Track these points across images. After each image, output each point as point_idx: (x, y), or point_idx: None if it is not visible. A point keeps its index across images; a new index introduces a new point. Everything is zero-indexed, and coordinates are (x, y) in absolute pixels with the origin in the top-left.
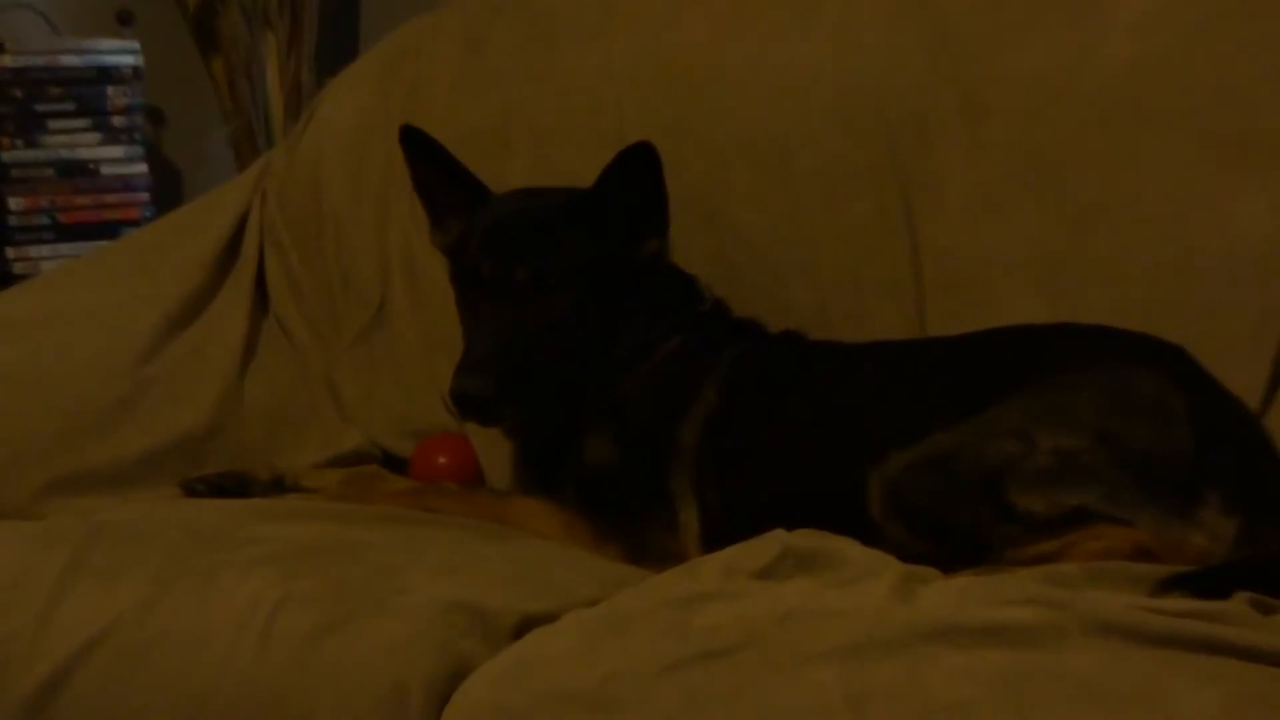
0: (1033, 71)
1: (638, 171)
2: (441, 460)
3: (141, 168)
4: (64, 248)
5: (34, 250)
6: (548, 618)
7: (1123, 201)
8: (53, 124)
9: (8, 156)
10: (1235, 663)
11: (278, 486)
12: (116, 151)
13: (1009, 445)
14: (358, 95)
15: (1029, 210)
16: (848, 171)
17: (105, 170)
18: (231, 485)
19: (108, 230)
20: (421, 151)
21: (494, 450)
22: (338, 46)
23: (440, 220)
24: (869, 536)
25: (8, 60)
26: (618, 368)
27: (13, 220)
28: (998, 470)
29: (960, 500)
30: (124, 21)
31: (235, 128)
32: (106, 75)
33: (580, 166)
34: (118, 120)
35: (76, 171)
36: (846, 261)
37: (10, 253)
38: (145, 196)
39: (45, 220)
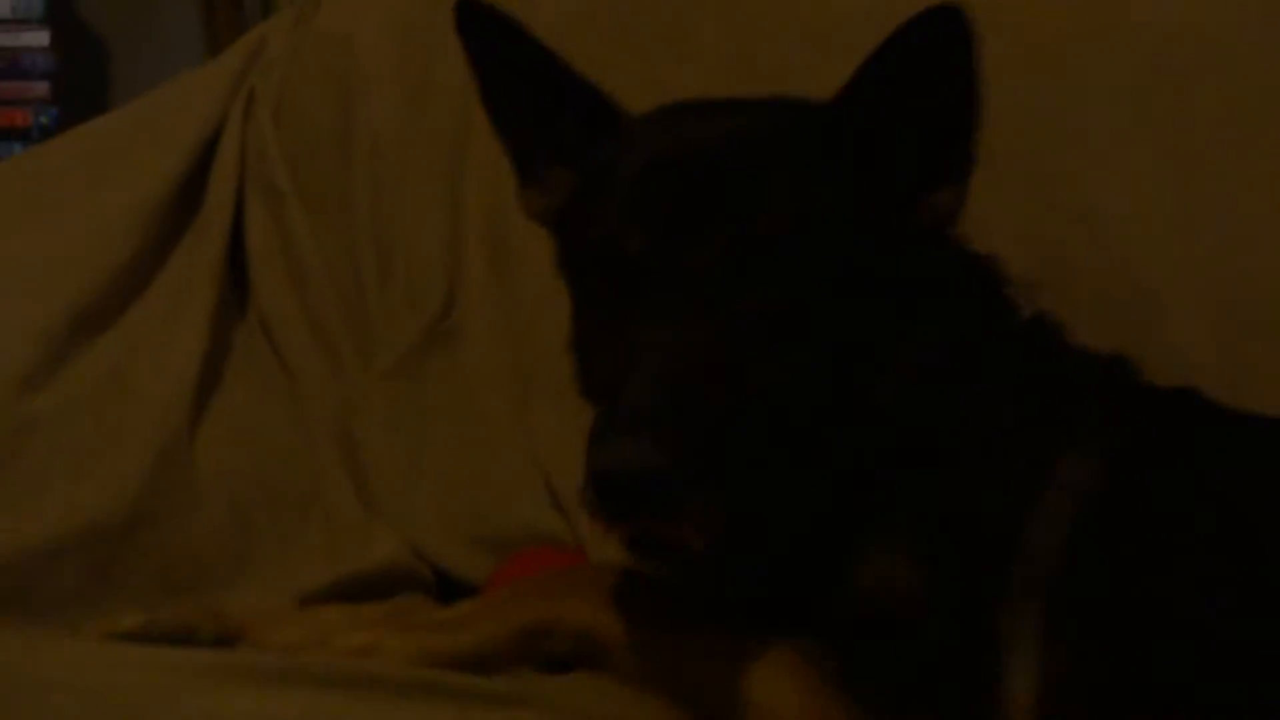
0: None
1: (930, 62)
2: None
3: (41, 38)
4: None
5: None
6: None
7: None
8: None
9: None
10: None
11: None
12: None
13: None
14: None
15: None
16: None
17: None
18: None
19: None
20: (495, 42)
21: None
22: None
23: (534, 167)
24: None
25: None
26: (889, 419)
27: None
28: None
29: None
30: None
31: None
32: None
33: (806, 74)
34: None
35: None
36: None
37: None
38: (45, 89)
39: None
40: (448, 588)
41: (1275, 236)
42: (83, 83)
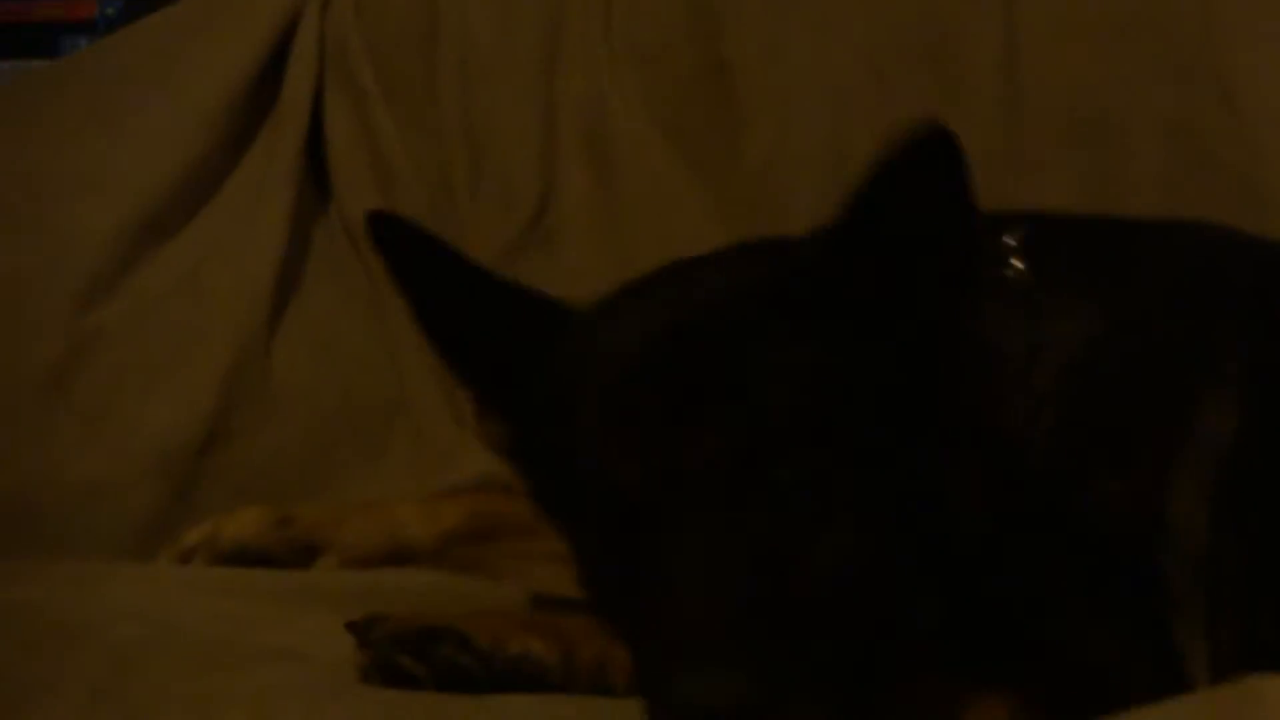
0: None
1: (920, 197)
2: None
3: None
4: None
5: None
6: None
7: None
8: None
9: None
10: None
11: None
12: None
13: None
14: None
15: None
16: None
17: None
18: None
19: (34, 41)
20: (417, 256)
21: None
22: None
23: (490, 392)
24: None
25: None
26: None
27: None
28: None
29: None
30: None
31: None
32: None
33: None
34: None
35: None
36: None
37: None
38: None
39: None
40: None
41: None
42: None
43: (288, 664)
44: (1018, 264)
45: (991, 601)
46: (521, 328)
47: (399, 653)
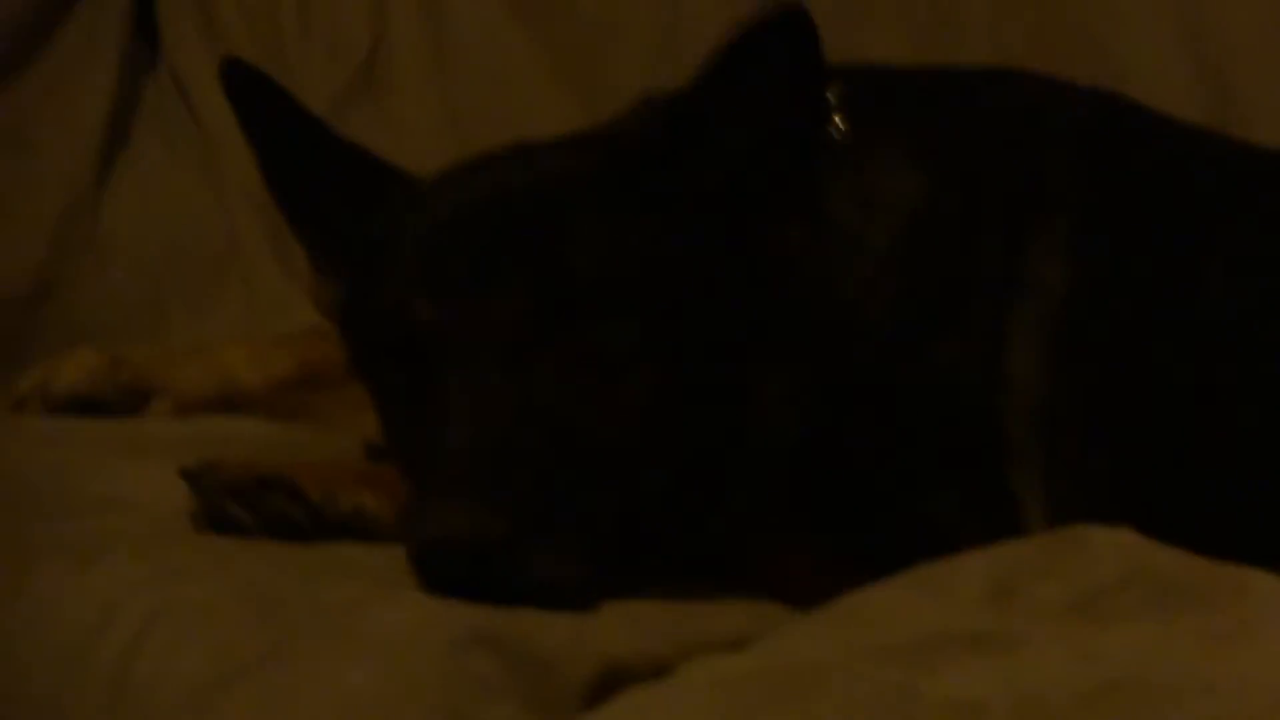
0: None
1: (766, 78)
2: None
3: None
4: None
5: None
6: (651, 668)
7: None
8: None
9: None
10: None
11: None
12: None
13: None
14: None
15: None
16: None
17: None
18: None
19: None
20: (267, 110)
21: None
22: None
23: (327, 255)
24: None
25: None
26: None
27: None
28: None
29: None
30: None
31: None
32: None
33: None
34: None
35: None
36: None
37: None
38: None
39: None
40: None
41: None
42: None
43: (116, 512)
44: (839, 121)
45: (823, 459)
46: (360, 190)
47: (230, 501)
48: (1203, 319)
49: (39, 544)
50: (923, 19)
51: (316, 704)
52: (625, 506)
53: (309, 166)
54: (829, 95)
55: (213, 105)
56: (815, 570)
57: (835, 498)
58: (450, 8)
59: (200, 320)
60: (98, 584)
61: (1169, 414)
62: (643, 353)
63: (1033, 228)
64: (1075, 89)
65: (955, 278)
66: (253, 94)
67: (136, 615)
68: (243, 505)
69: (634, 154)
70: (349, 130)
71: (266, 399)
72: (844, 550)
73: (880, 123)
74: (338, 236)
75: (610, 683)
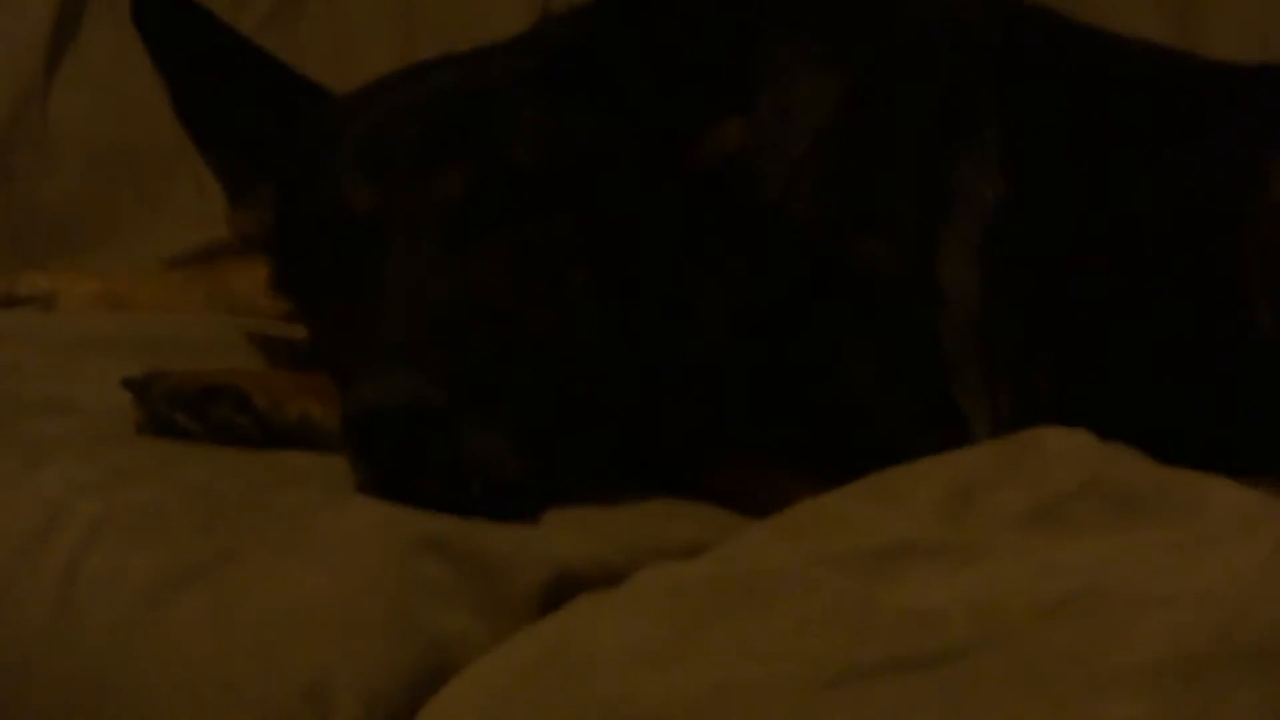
0: None
1: None
2: None
3: None
4: None
5: None
6: (605, 575)
7: None
8: None
9: None
10: None
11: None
12: None
13: None
14: None
15: None
16: None
17: None
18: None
19: None
20: (180, 35)
21: None
22: None
23: (242, 181)
24: None
25: None
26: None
27: None
28: None
29: None
30: None
31: None
32: None
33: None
34: None
35: None
36: None
37: None
38: None
39: None
40: None
41: None
42: None
43: (61, 414)
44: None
45: (766, 369)
46: (284, 105)
47: (176, 410)
48: (1135, 229)
49: None
50: None
51: (268, 605)
52: (562, 400)
53: (226, 88)
54: None
55: None
56: (767, 478)
57: (782, 404)
58: None
59: (152, 218)
60: (45, 486)
61: (1106, 325)
62: (578, 246)
63: (963, 140)
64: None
65: (875, 182)
66: (165, 20)
67: (85, 517)
68: (190, 414)
69: (572, 53)
70: (301, 22)
71: None
72: (796, 458)
73: (798, 29)
74: (258, 154)
75: (562, 589)
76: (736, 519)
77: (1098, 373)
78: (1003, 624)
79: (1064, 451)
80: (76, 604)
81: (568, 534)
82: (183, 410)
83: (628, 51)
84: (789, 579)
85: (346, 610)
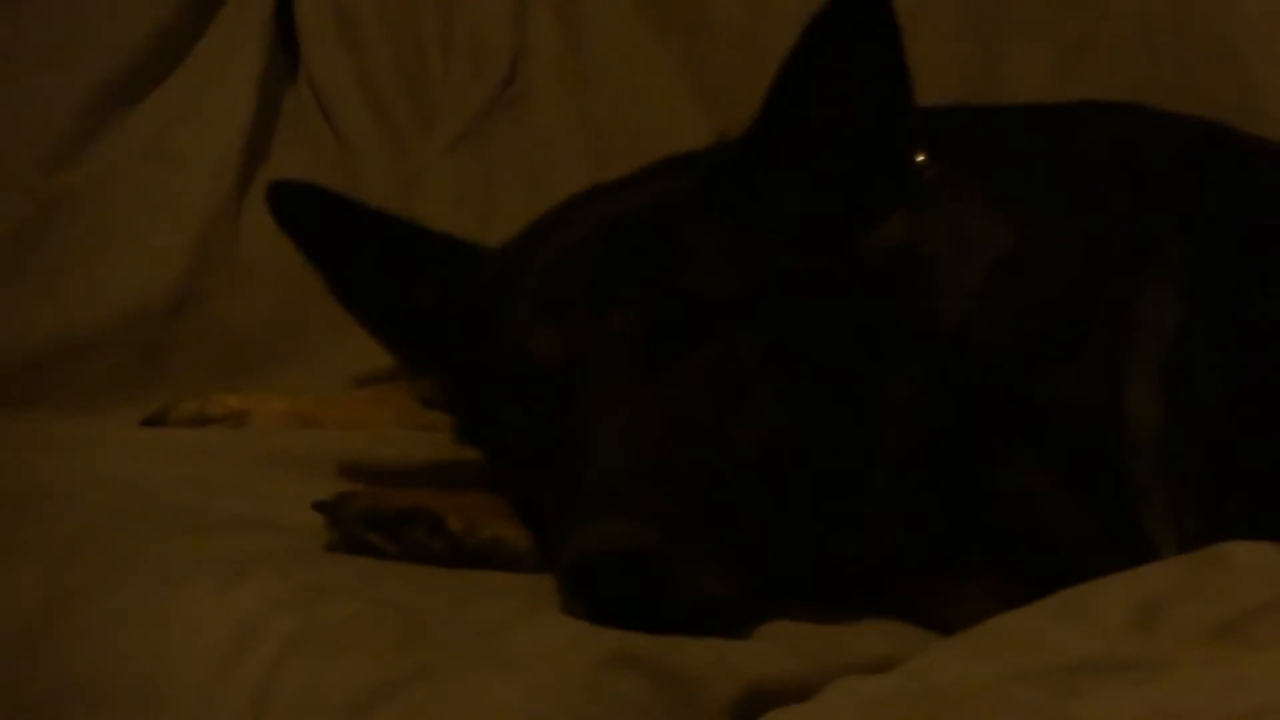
0: None
1: (848, 68)
2: None
3: None
4: None
5: None
6: (795, 689)
7: None
8: None
9: None
10: None
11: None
12: None
13: None
14: None
15: None
16: None
17: None
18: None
19: None
20: (325, 223)
21: None
22: None
23: (419, 351)
24: None
25: None
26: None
27: None
28: None
29: None
30: None
31: None
32: None
33: None
34: None
35: None
36: None
37: None
38: None
39: None
40: None
41: None
42: None
43: (258, 530)
44: (922, 158)
45: (956, 496)
46: (440, 273)
47: (370, 531)
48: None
49: (184, 561)
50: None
51: None
52: (766, 519)
53: (378, 267)
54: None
55: (351, 117)
56: (956, 595)
57: (971, 526)
58: (590, 20)
59: (339, 337)
60: (241, 603)
61: None
62: (762, 362)
63: (1146, 266)
64: (1177, 119)
65: (1059, 311)
66: (306, 213)
67: (280, 634)
68: (383, 536)
69: (729, 167)
70: (491, 145)
71: None
72: (983, 578)
73: (966, 162)
74: (424, 325)
75: (755, 704)
76: (926, 635)
77: None
78: None
79: (1251, 565)
80: None
81: (760, 648)
82: (375, 531)
83: (787, 152)
84: (980, 694)
85: None
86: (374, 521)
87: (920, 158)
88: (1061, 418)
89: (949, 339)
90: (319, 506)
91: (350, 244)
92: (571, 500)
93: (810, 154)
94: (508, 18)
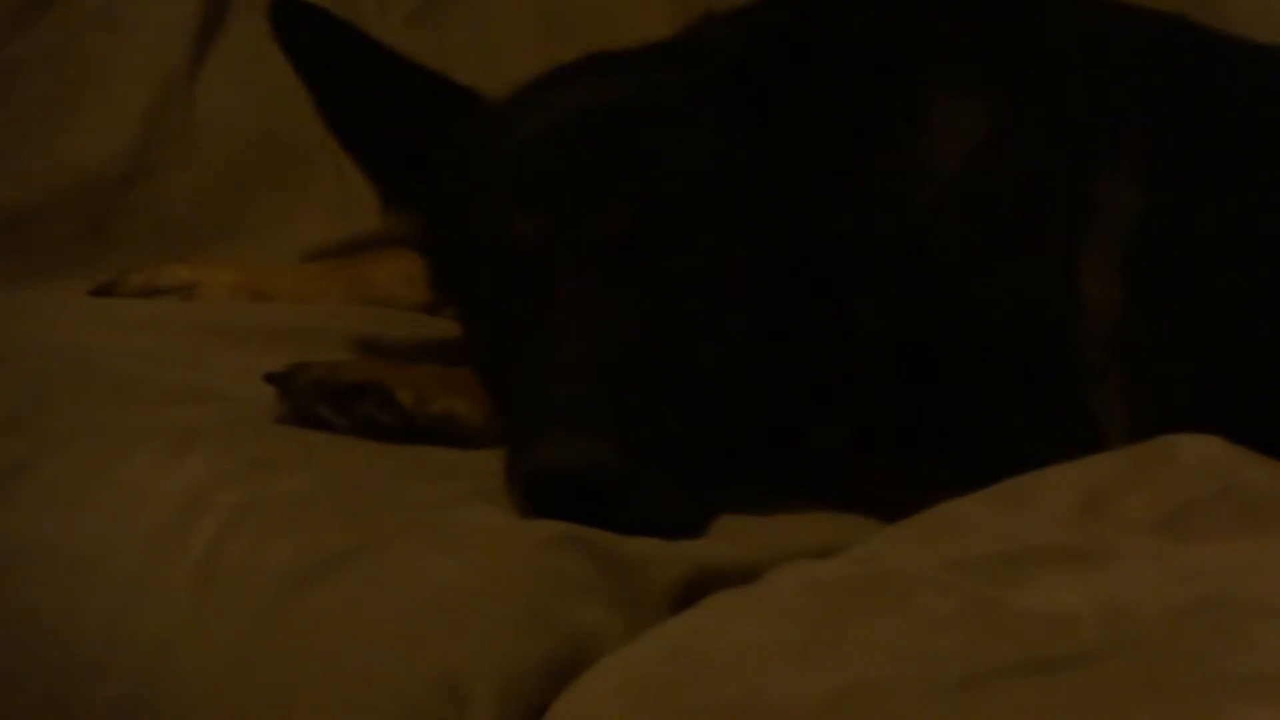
0: None
1: None
2: None
3: None
4: None
5: None
6: (739, 574)
7: None
8: None
9: None
10: None
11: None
12: None
13: None
14: None
15: None
16: None
17: None
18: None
19: None
20: (322, 44)
21: None
22: None
23: (394, 183)
24: None
25: None
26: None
27: None
28: None
29: None
30: None
31: None
32: None
33: None
34: None
35: None
36: None
37: None
38: None
39: None
40: None
41: None
42: None
43: (206, 401)
44: None
45: (910, 391)
46: (433, 116)
47: (320, 403)
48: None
49: (131, 431)
50: None
51: (405, 596)
52: (726, 435)
53: (374, 99)
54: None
55: None
56: (904, 485)
57: (922, 416)
58: None
59: (290, 209)
60: (187, 474)
61: (1252, 335)
62: (741, 280)
63: (1103, 152)
64: (1140, 10)
65: (1021, 202)
66: (305, 32)
67: (226, 505)
68: (333, 409)
69: (738, 69)
70: (446, 20)
71: None
72: (932, 466)
73: (943, 49)
74: (408, 162)
75: (699, 587)
76: (873, 525)
77: (1240, 382)
78: (1133, 629)
79: (1197, 458)
80: (216, 591)
81: (705, 534)
82: (326, 404)
83: (800, 68)
84: (921, 581)
85: (483, 602)
86: (325, 394)
87: None
88: (1014, 314)
89: (917, 242)
90: (270, 378)
91: (346, 70)
92: (532, 396)
93: (824, 68)
94: None
